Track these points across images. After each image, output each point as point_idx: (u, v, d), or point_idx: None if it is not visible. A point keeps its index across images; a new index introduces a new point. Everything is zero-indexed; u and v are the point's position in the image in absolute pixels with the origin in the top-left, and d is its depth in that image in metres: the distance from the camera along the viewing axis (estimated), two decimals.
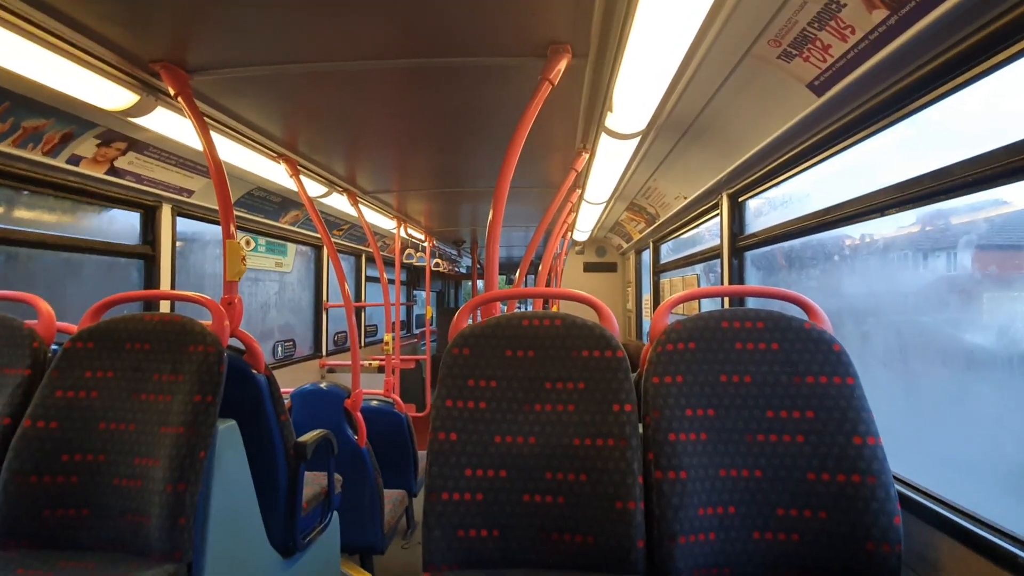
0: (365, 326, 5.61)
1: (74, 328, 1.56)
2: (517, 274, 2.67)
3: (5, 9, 1.24)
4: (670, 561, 1.07)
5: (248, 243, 3.50)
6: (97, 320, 1.51)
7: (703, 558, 1.08)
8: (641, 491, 1.12)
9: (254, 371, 1.60)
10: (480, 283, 7.02)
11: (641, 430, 1.18)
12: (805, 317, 1.23)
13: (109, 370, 1.40)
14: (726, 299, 2.39)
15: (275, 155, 2.35)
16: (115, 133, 1.96)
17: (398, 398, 3.07)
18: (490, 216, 1.60)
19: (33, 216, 2.12)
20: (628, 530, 1.09)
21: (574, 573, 1.11)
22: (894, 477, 1.10)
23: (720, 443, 1.14)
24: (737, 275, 2.51)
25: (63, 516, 1.30)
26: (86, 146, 1.94)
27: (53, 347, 1.55)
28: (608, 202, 3.77)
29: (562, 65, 1.47)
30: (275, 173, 2.58)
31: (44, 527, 1.29)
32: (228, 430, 1.45)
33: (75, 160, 1.96)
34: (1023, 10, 0.95)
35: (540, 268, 3.13)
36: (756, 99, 1.71)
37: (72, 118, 1.79)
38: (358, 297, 5.30)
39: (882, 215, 1.50)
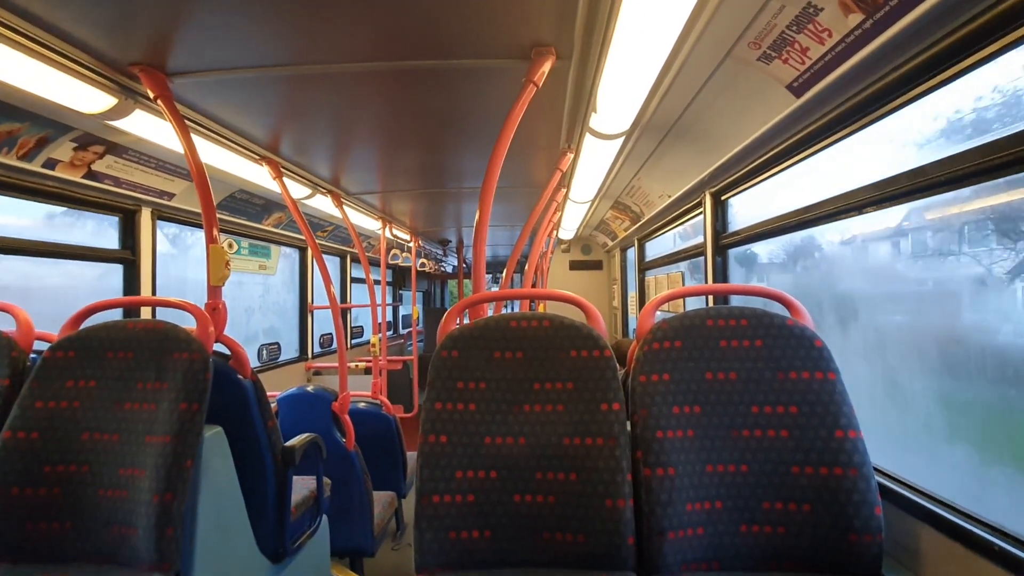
0: (351, 327, 5.58)
1: (54, 336, 1.53)
2: (504, 273, 2.68)
3: None
4: (660, 557, 1.09)
5: (231, 246, 3.45)
6: (77, 328, 1.49)
7: (692, 553, 1.10)
8: (630, 488, 1.13)
9: (240, 376, 1.58)
10: (467, 283, 7.01)
11: (629, 428, 1.20)
12: (787, 314, 1.26)
13: (91, 379, 1.38)
14: (710, 297, 2.42)
15: (258, 157, 2.32)
16: (92, 136, 1.92)
17: (386, 399, 3.06)
18: (476, 217, 1.61)
19: None
20: (618, 527, 1.11)
21: (566, 571, 1.13)
22: (875, 469, 1.13)
23: (707, 439, 1.16)
24: (720, 273, 2.55)
25: (47, 529, 1.27)
26: (62, 150, 1.90)
27: (32, 356, 1.52)
28: (593, 201, 3.79)
29: (546, 67, 1.48)
30: (258, 175, 2.55)
31: (27, 541, 1.26)
32: (215, 437, 1.44)
33: (51, 164, 1.92)
34: (994, 13, 0.98)
35: (526, 267, 3.14)
36: (737, 100, 1.74)
37: (47, 122, 1.75)
38: (344, 298, 5.26)
39: (860, 213, 1.53)
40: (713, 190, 2.53)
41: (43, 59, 1.38)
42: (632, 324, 5.42)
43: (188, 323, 1.49)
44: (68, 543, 1.28)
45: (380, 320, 3.83)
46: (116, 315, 2.31)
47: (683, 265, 3.62)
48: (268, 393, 1.70)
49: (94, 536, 1.27)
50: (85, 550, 1.27)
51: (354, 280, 5.54)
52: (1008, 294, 1.34)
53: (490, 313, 1.47)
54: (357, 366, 4.60)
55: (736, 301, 2.29)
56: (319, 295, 4.62)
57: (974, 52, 1.05)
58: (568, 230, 5.12)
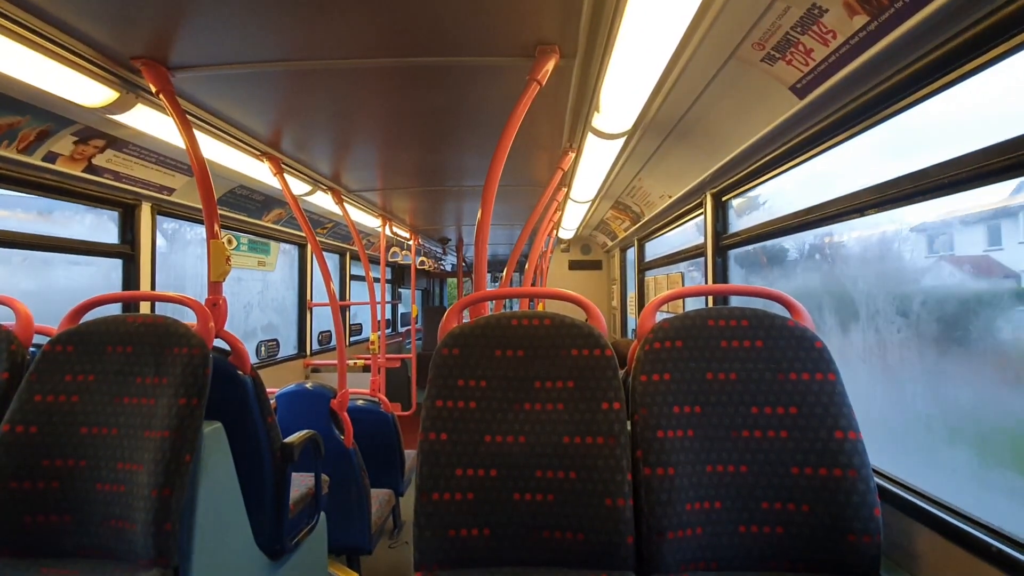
0: (350, 325, 5.57)
1: (53, 330, 1.53)
2: (504, 272, 2.68)
3: None
4: (659, 556, 1.09)
5: (230, 242, 3.45)
6: (76, 322, 1.48)
7: (691, 552, 1.10)
8: (630, 488, 1.13)
9: (239, 372, 1.58)
10: (467, 281, 7.01)
11: (629, 427, 1.20)
12: (788, 315, 1.26)
13: (90, 373, 1.38)
14: (710, 297, 2.43)
15: (258, 153, 2.32)
16: (93, 130, 1.91)
17: (384, 397, 3.06)
18: (478, 215, 1.61)
19: None
20: (617, 526, 1.11)
21: (564, 570, 1.13)
22: (874, 470, 1.13)
23: (706, 439, 1.16)
24: (721, 273, 2.55)
25: (45, 523, 1.27)
26: (63, 143, 1.90)
27: (31, 350, 1.52)
28: (594, 201, 3.79)
29: (550, 66, 1.48)
30: (258, 171, 2.54)
31: (26, 534, 1.26)
32: (214, 432, 1.44)
33: (51, 158, 1.91)
34: (1001, 15, 0.98)
35: (526, 266, 3.14)
36: (740, 101, 1.74)
37: (48, 115, 1.75)
38: (343, 296, 5.26)
39: (862, 215, 1.53)
40: (714, 191, 2.53)
41: (45, 52, 1.37)
42: (631, 324, 5.42)
43: (188, 318, 1.49)
44: (66, 537, 1.27)
45: (379, 318, 3.83)
46: (116, 309, 2.31)
47: (683, 266, 3.62)
48: (267, 390, 1.70)
49: (92, 531, 1.27)
50: (83, 544, 1.27)
51: (353, 278, 5.53)
52: None
53: (491, 311, 1.47)
54: (356, 363, 4.60)
55: (736, 302, 2.29)
56: (318, 292, 4.61)
57: (981, 54, 1.05)
58: (568, 230, 5.12)
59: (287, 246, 4.30)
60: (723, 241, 2.51)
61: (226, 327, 1.64)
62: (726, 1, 1.24)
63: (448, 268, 9.66)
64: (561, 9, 1.28)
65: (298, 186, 2.89)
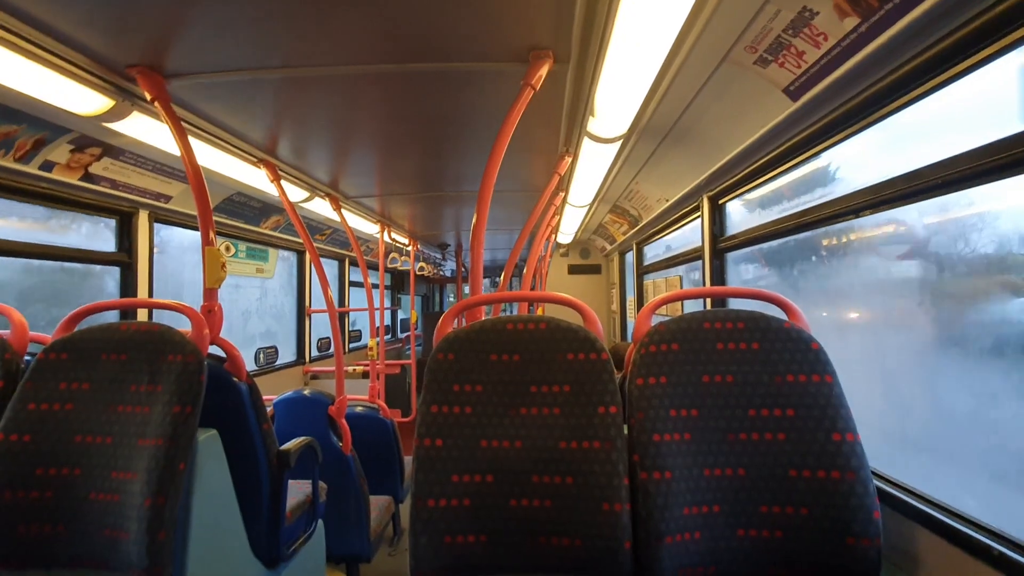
0: (349, 331, 5.56)
1: (48, 338, 1.53)
2: (502, 277, 2.67)
3: None
4: (657, 561, 1.08)
5: (228, 249, 3.45)
6: (71, 330, 1.48)
7: (689, 557, 1.09)
8: (627, 492, 1.12)
9: (235, 379, 1.57)
10: (465, 287, 7.01)
11: (626, 432, 1.19)
12: (784, 317, 1.26)
13: (84, 382, 1.37)
14: (708, 300, 2.43)
15: (255, 160, 2.32)
16: (89, 139, 1.92)
17: (383, 404, 3.05)
18: (474, 220, 1.61)
19: None
20: (615, 531, 1.10)
21: None
22: (873, 473, 1.12)
23: (704, 443, 1.15)
24: (718, 276, 2.54)
25: (38, 532, 1.26)
26: (59, 152, 1.90)
27: (26, 358, 1.51)
28: (591, 205, 3.80)
29: (544, 71, 1.48)
30: (255, 178, 2.55)
31: (19, 544, 1.25)
32: (209, 440, 1.43)
33: (48, 166, 1.92)
34: (991, 15, 0.98)
35: (524, 271, 3.14)
36: (734, 104, 1.74)
37: (44, 123, 1.75)
38: (342, 302, 5.25)
39: (856, 216, 1.53)
40: (711, 194, 2.53)
41: (41, 61, 1.38)
42: (631, 328, 5.41)
43: (184, 326, 1.49)
44: (60, 547, 1.26)
45: (378, 324, 3.83)
46: (111, 317, 2.31)
47: (681, 270, 3.62)
48: (264, 396, 1.69)
49: (86, 540, 1.26)
50: (77, 554, 1.26)
51: (352, 284, 5.53)
52: None
53: (487, 316, 1.47)
54: (355, 370, 4.59)
55: (732, 304, 2.28)
56: (317, 299, 4.61)
57: (971, 54, 1.06)
58: (567, 234, 5.12)
59: (285, 253, 4.30)
60: (720, 244, 2.51)
61: (225, 334, 1.63)
62: (718, 4, 1.25)
63: (448, 274, 9.66)
64: (554, 14, 1.28)
65: (295, 193, 2.90)
